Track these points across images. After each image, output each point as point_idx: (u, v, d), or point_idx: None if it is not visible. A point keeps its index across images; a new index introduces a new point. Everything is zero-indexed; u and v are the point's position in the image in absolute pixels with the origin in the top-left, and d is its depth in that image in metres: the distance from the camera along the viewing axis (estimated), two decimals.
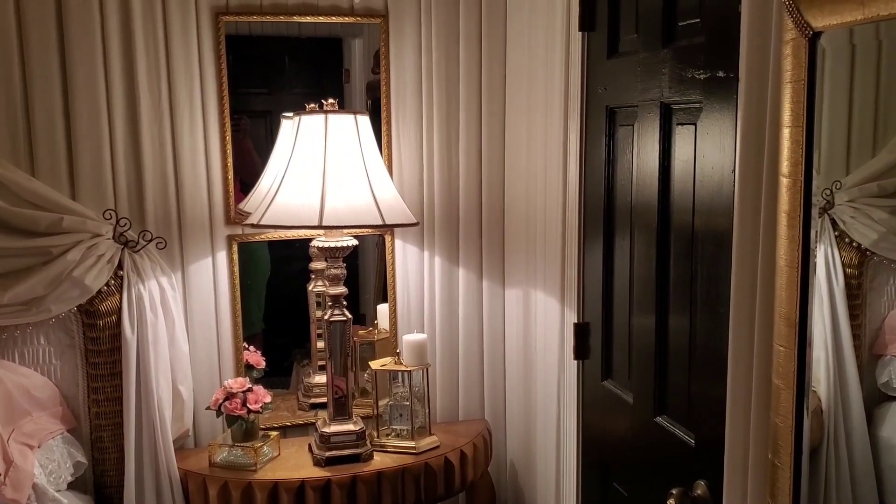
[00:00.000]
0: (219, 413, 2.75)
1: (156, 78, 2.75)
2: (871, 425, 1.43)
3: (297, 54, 3.15)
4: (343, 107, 2.81)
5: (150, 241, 2.74)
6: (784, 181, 1.38)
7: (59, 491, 2.46)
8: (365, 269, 3.26)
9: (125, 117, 2.73)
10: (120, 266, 2.68)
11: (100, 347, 2.67)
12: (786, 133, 1.37)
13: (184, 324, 2.86)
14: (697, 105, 1.83)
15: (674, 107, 1.96)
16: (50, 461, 2.49)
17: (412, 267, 3.14)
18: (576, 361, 2.56)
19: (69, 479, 2.57)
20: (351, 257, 2.76)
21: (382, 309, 3.17)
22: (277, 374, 3.15)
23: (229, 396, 2.72)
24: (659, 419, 2.07)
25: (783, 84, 1.37)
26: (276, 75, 3.16)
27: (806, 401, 1.39)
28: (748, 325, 1.52)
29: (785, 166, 1.38)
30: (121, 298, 2.66)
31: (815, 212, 1.36)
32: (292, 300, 3.23)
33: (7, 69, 2.59)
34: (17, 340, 2.65)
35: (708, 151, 1.80)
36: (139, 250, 2.71)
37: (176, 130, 2.80)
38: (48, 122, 2.66)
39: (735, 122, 1.62)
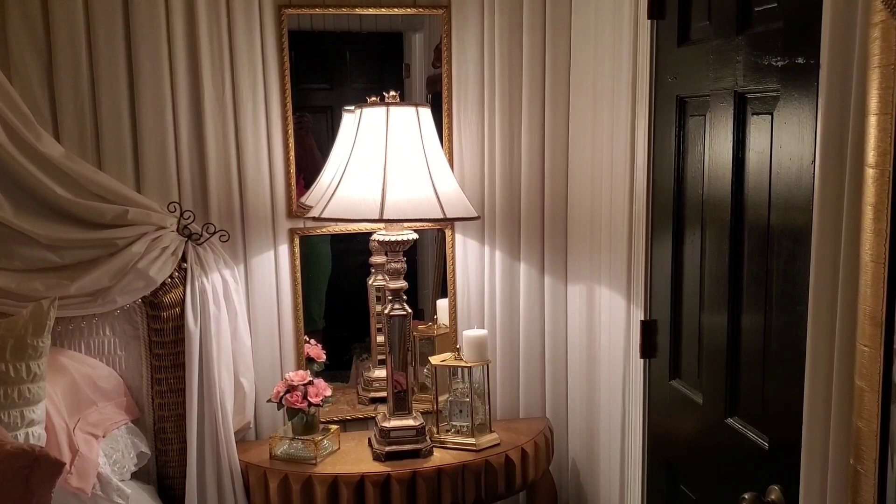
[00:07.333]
0: (280, 406, 2.75)
1: (219, 72, 2.76)
2: None
3: (357, 49, 3.14)
4: (403, 101, 2.78)
5: (214, 233, 2.75)
6: (870, 172, 1.31)
7: (122, 480, 2.49)
8: (423, 264, 3.24)
9: (189, 111, 2.75)
10: (184, 258, 2.70)
11: (163, 339, 2.69)
12: (872, 121, 1.30)
13: (246, 316, 2.87)
14: (774, 93, 1.76)
15: (748, 96, 1.88)
16: (114, 451, 2.52)
17: (472, 262, 3.10)
18: (642, 360, 2.50)
19: (132, 468, 2.60)
20: (409, 252, 2.74)
21: (442, 304, 3.14)
22: (337, 368, 3.15)
23: (290, 389, 2.72)
24: (730, 420, 2.00)
25: (870, 69, 1.30)
26: (337, 71, 3.16)
27: (892, 403, 1.32)
28: (829, 323, 1.44)
29: (871, 156, 1.30)
30: (184, 291, 2.67)
31: None
32: (352, 294, 3.23)
33: (75, 64, 2.63)
34: (84, 331, 2.69)
35: (785, 142, 1.73)
36: (202, 243, 2.72)
37: (239, 124, 2.82)
38: (114, 116, 2.69)
39: (815, 110, 1.54)
